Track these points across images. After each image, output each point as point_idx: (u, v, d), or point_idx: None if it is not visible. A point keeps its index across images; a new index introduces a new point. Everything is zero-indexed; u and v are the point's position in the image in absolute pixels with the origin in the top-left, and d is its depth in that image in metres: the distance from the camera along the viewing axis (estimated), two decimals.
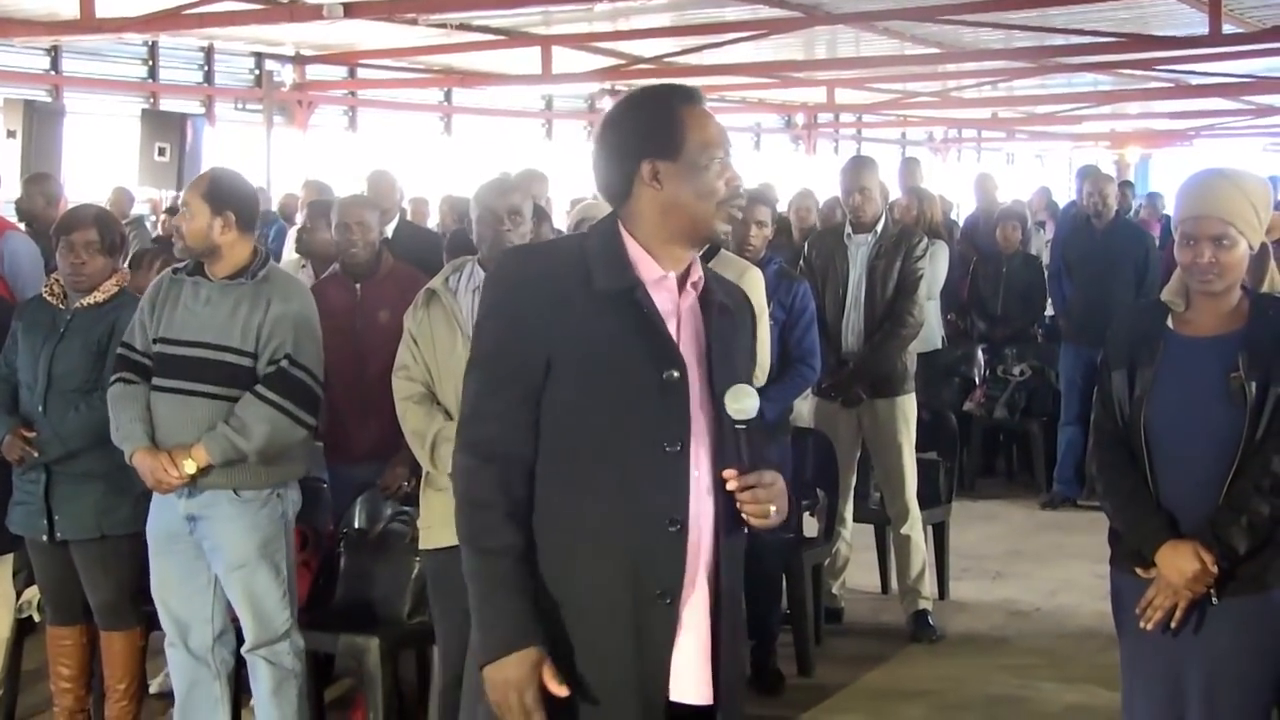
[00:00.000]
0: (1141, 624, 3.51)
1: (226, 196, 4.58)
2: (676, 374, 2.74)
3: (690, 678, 2.77)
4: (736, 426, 2.74)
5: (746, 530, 2.84)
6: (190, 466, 4.46)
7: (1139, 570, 3.55)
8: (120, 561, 4.91)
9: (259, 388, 4.52)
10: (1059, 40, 15.26)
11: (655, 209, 2.80)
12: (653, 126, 2.80)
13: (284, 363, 4.54)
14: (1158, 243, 9.58)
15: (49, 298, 4.98)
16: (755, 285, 5.05)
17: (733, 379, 2.79)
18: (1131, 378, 3.55)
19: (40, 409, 4.84)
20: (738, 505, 2.76)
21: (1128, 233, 9.11)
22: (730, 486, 2.74)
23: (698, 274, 2.86)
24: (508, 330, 2.77)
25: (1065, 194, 16.27)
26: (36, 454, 4.82)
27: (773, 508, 2.76)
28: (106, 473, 4.81)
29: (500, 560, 2.72)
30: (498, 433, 2.75)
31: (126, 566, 4.92)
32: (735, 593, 2.85)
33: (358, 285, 5.53)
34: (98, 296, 4.91)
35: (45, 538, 4.89)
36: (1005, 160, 31.95)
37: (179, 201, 4.71)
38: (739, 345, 2.93)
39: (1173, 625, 3.48)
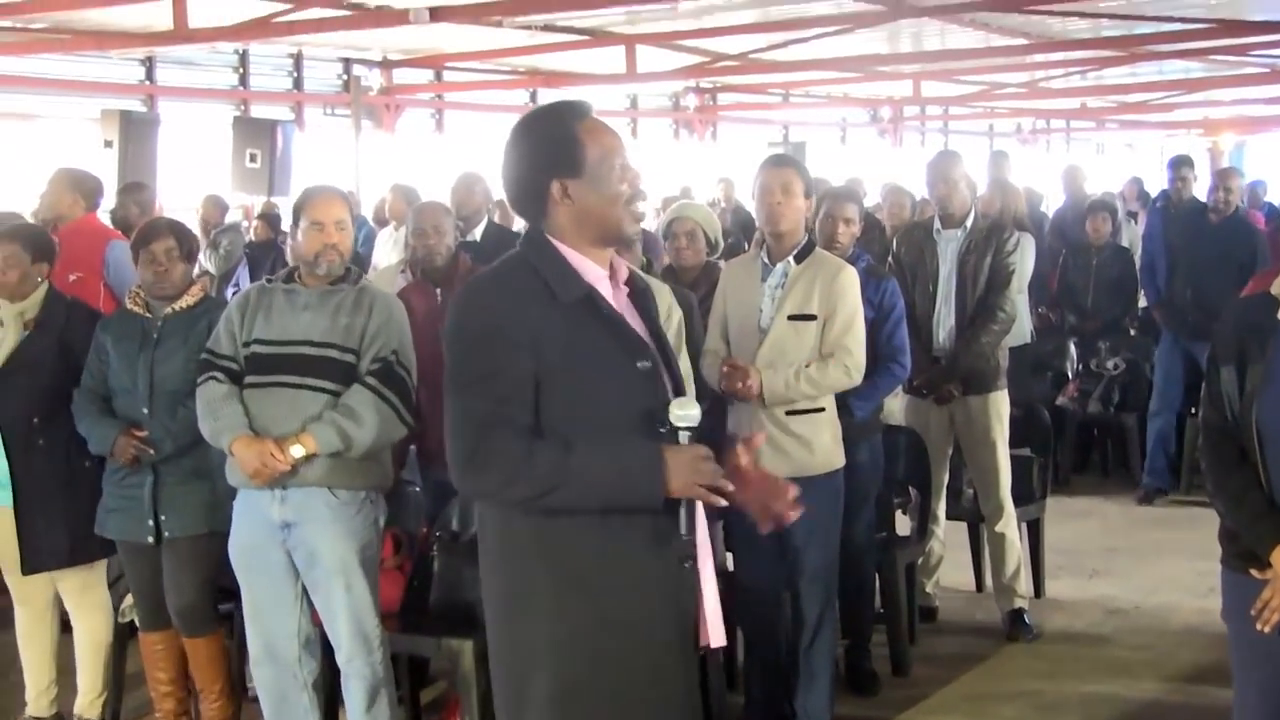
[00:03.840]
0: (1258, 626, 3.43)
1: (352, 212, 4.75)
2: (649, 363, 3.02)
3: (716, 626, 3.13)
4: (680, 433, 2.98)
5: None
6: (299, 450, 4.46)
7: (1254, 571, 3.47)
8: (210, 560, 4.94)
9: (367, 378, 4.57)
10: (1148, 28, 15.03)
11: (571, 220, 3.05)
12: (554, 148, 3.02)
13: (391, 358, 4.61)
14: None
15: (134, 308, 5.06)
16: (850, 284, 5.02)
17: (675, 360, 3.13)
18: (1241, 373, 3.47)
19: (146, 412, 4.91)
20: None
21: (1240, 228, 8.92)
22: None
23: (623, 268, 3.15)
24: (501, 352, 2.95)
25: (1158, 184, 15.99)
26: (151, 451, 4.88)
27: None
28: (215, 469, 4.84)
29: (569, 454, 2.90)
30: (511, 434, 2.94)
31: (214, 564, 4.95)
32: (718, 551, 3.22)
33: (438, 290, 5.58)
34: (187, 300, 5.01)
35: (151, 539, 4.94)
36: (1095, 150, 31.54)
37: (331, 224, 4.63)
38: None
39: None
